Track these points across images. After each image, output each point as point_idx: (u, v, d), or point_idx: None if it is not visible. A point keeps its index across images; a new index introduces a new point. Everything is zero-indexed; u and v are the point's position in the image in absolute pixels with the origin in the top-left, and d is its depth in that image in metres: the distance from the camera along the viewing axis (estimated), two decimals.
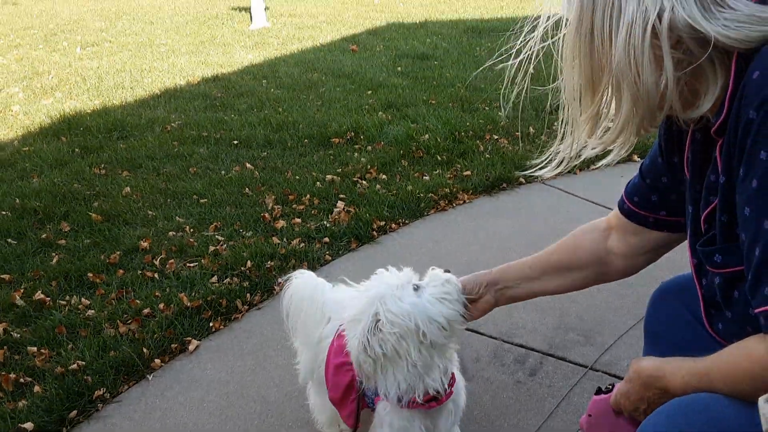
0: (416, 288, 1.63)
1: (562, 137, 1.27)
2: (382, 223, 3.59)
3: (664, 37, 1.02)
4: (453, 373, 1.74)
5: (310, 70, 6.75)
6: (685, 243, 1.35)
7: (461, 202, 3.87)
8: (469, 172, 4.13)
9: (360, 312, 1.61)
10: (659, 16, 1.01)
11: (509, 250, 3.35)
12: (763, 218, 1.00)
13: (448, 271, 1.69)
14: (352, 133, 4.82)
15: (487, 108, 5.36)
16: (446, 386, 1.67)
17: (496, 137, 4.71)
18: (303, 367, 2.02)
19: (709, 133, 1.16)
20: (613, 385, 1.33)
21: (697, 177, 1.25)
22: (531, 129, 4.84)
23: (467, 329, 2.72)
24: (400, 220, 3.64)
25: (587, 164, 4.23)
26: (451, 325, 1.60)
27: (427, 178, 4.08)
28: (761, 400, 0.97)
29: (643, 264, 1.59)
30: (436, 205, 3.80)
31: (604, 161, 1.33)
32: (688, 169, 1.28)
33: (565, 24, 1.15)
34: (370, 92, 5.90)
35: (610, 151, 1.27)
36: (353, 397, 1.81)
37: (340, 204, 3.77)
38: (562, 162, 1.31)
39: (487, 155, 4.39)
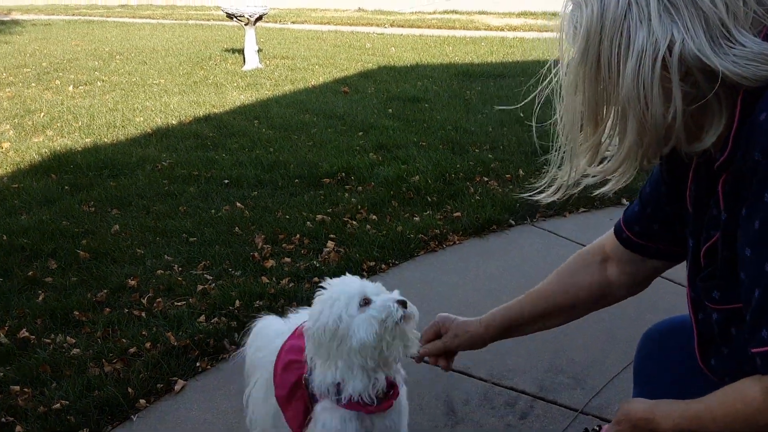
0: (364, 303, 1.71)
1: (560, 164, 1.26)
2: (372, 263, 3.58)
3: (674, 69, 1.01)
4: (396, 386, 1.81)
5: (302, 111, 6.81)
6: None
7: (451, 243, 3.87)
8: (459, 214, 4.15)
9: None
10: (669, 48, 1.00)
11: (499, 291, 3.34)
12: (764, 261, 1.00)
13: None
14: (343, 174, 4.84)
15: (477, 150, 5.41)
16: (378, 395, 1.72)
17: (486, 179, 4.75)
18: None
19: (712, 166, 1.15)
20: (601, 427, 1.32)
21: (699, 210, 1.24)
22: (521, 171, 4.88)
23: (458, 371, 2.71)
24: (390, 261, 3.64)
25: (576, 206, 4.26)
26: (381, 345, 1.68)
27: (417, 219, 4.10)
28: None
29: (641, 290, 1.58)
30: (426, 246, 3.81)
31: (602, 189, 1.30)
32: (690, 202, 1.27)
33: (569, 52, 1.14)
34: (361, 133, 5.94)
35: (608, 180, 1.25)
36: (300, 395, 1.81)
37: (330, 244, 3.76)
38: (560, 188, 1.30)
39: (477, 197, 4.41)
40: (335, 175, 4.83)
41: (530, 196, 1.34)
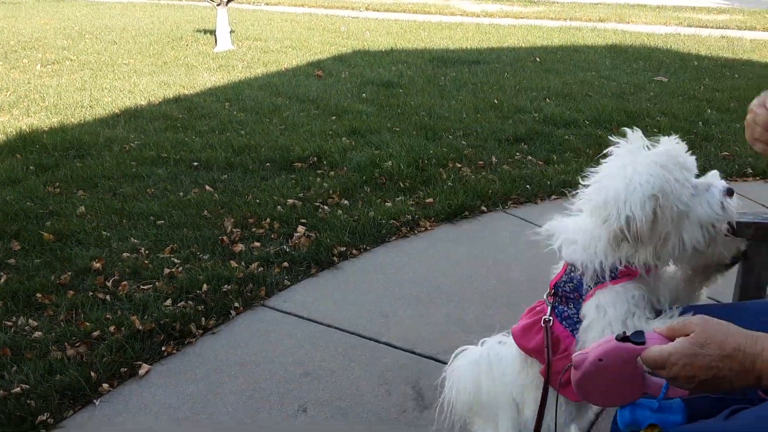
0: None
1: None
2: (343, 248, 3.55)
3: None
4: None
5: (275, 94, 6.72)
6: None
7: (423, 229, 3.86)
8: (431, 200, 4.13)
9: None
10: None
11: (470, 276, 3.34)
12: None
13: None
14: (315, 158, 4.80)
15: (450, 136, 5.39)
16: None
17: (459, 166, 4.73)
18: None
19: None
20: (640, 336, 1.13)
21: None
22: (493, 158, 4.88)
23: (427, 357, 2.70)
24: (361, 246, 3.61)
25: (548, 194, 4.27)
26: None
27: (389, 204, 4.07)
28: None
29: None
30: (397, 231, 3.79)
31: None
32: None
33: None
34: (334, 118, 5.89)
35: None
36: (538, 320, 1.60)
37: (301, 229, 3.72)
38: None
39: (450, 183, 4.40)
40: (307, 160, 4.78)
41: None
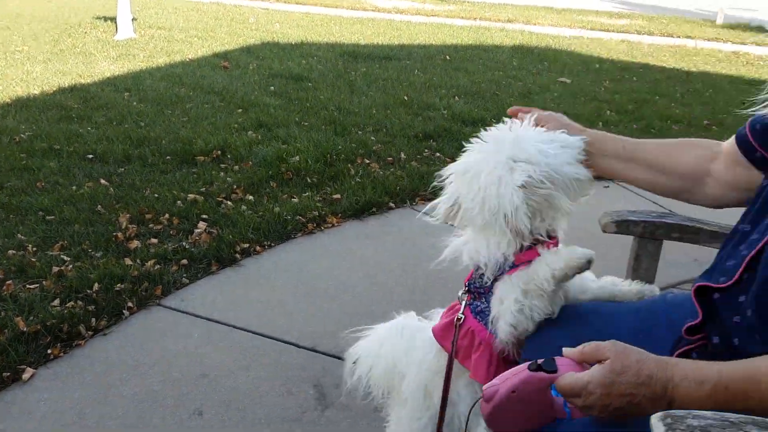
0: None
1: None
2: (246, 245, 3.45)
3: None
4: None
5: (178, 85, 6.48)
6: None
7: (330, 225, 3.80)
8: (338, 196, 4.08)
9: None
10: None
11: (376, 273, 3.31)
12: None
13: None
14: (219, 152, 4.65)
15: (359, 132, 5.35)
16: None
17: (367, 161, 4.70)
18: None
19: None
20: (551, 364, 1.13)
21: None
22: (402, 155, 4.87)
23: (330, 355, 2.65)
24: (265, 243, 3.52)
25: None
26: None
27: (295, 200, 3.99)
28: (654, 418, 0.87)
29: (733, 202, 1.48)
30: (303, 228, 3.71)
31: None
32: None
33: None
34: (240, 111, 5.73)
35: None
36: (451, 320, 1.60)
37: (202, 225, 3.59)
38: None
39: (358, 179, 4.36)
40: (210, 153, 4.62)
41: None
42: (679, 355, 1.26)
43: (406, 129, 5.48)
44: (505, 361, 1.55)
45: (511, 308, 1.46)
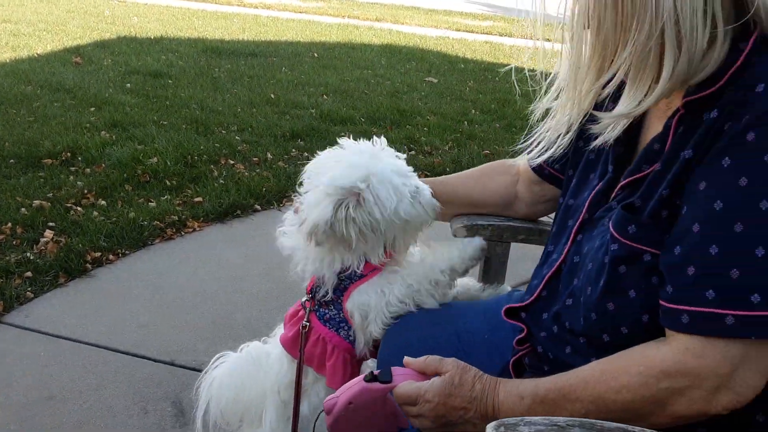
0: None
1: (553, 115, 1.18)
2: (98, 254, 3.23)
3: None
4: None
5: (23, 82, 5.99)
6: None
7: (191, 230, 3.63)
8: (200, 199, 3.91)
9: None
10: None
11: (241, 278, 3.20)
12: (738, 219, 0.94)
13: None
14: (69, 154, 4.33)
15: (223, 131, 5.18)
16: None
17: (232, 162, 4.55)
18: None
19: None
20: (387, 374, 1.16)
21: (622, 140, 1.19)
22: (269, 155, 4.75)
23: (189, 368, 2.52)
24: (119, 251, 3.31)
25: None
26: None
27: (153, 204, 3.78)
28: (489, 427, 0.88)
29: (545, 213, 1.58)
30: (162, 233, 3.53)
31: (597, 141, 1.20)
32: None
33: None
34: (93, 109, 5.38)
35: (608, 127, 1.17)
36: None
37: (49, 233, 3.33)
38: (554, 143, 1.23)
39: (222, 181, 4.21)
40: (59, 155, 4.29)
41: (523, 154, 1.29)
42: (515, 361, 1.33)
43: (272, 128, 5.36)
44: (360, 366, 1.59)
45: (384, 310, 1.49)
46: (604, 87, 1.10)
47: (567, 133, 1.24)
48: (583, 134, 1.31)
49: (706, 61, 1.00)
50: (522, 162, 1.58)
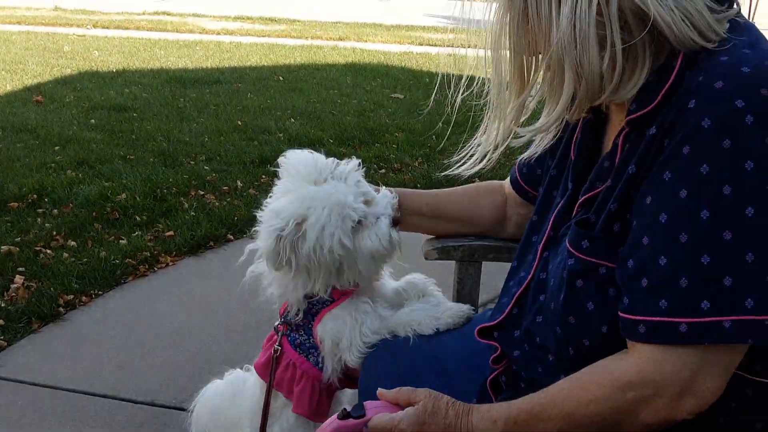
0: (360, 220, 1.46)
1: (484, 130, 1.20)
2: (71, 296, 3.18)
3: (614, 12, 0.99)
4: None
5: None
6: None
7: (164, 265, 3.60)
8: (172, 233, 3.88)
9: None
10: None
11: (219, 312, 3.18)
12: (681, 232, 0.97)
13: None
14: (35, 196, 4.26)
15: (192, 162, 5.15)
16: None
17: (201, 193, 4.52)
18: None
19: (601, 116, 1.19)
20: (359, 409, 1.17)
21: (583, 158, 1.22)
22: (239, 183, 4.73)
23: (169, 406, 2.49)
24: (92, 292, 3.27)
25: None
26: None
27: (124, 241, 3.74)
28: None
29: None
30: (134, 271, 3.49)
31: (526, 154, 1.27)
32: (574, 149, 1.24)
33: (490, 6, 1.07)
34: (57, 148, 5.31)
35: (533, 140, 1.22)
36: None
37: (19, 279, 3.28)
38: (484, 157, 1.24)
39: (193, 213, 4.17)
40: (25, 198, 4.23)
41: (452, 171, 1.29)
42: (492, 380, 1.34)
43: (241, 155, 5.34)
44: (329, 393, 1.60)
45: (358, 340, 1.49)
46: (526, 104, 1.15)
47: (495, 149, 1.27)
48: (551, 152, 1.35)
49: (631, 80, 1.05)
50: (507, 183, 1.61)
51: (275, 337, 1.62)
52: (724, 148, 0.94)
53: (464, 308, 1.54)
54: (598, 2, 1.00)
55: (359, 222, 1.45)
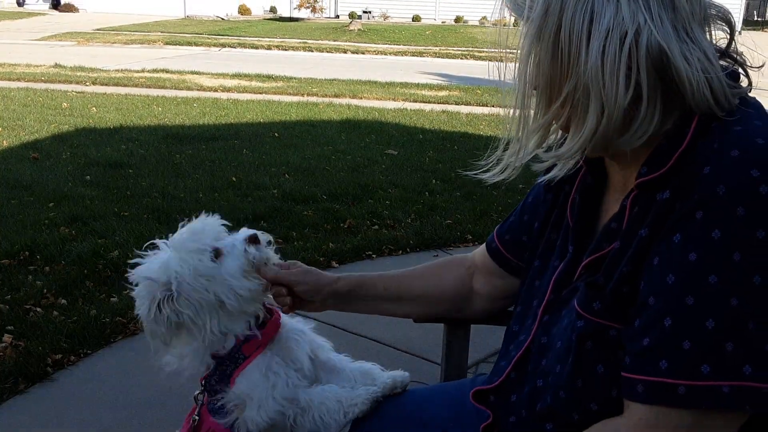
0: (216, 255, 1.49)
1: (507, 145, 1.18)
2: (59, 356, 3.14)
3: (643, 55, 1.00)
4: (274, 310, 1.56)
5: None
6: None
7: None
8: None
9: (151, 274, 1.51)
10: (636, 34, 1.00)
11: None
12: (688, 294, 0.97)
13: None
14: (27, 253, 4.25)
15: (185, 219, 5.13)
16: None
17: None
18: None
19: (600, 176, 1.23)
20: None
21: (583, 221, 1.23)
22: None
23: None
24: (81, 351, 3.23)
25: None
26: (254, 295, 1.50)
27: (115, 299, 3.71)
28: None
29: (502, 308, 1.56)
30: (125, 329, 3.45)
31: (548, 175, 1.27)
32: (571, 213, 1.25)
33: (524, 23, 1.07)
34: (51, 204, 5.32)
35: (554, 165, 1.22)
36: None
37: (7, 338, 3.24)
38: (506, 168, 1.22)
39: None
40: (17, 255, 4.22)
41: (476, 174, 1.26)
42: None
43: (235, 211, 5.35)
44: None
45: (269, 402, 1.45)
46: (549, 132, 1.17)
47: (517, 163, 1.27)
48: (542, 217, 1.37)
49: (639, 130, 1.06)
50: (479, 254, 1.59)
51: (194, 406, 1.60)
52: (738, 215, 0.95)
53: (374, 390, 1.48)
54: (628, 42, 1.01)
55: (217, 252, 1.49)
